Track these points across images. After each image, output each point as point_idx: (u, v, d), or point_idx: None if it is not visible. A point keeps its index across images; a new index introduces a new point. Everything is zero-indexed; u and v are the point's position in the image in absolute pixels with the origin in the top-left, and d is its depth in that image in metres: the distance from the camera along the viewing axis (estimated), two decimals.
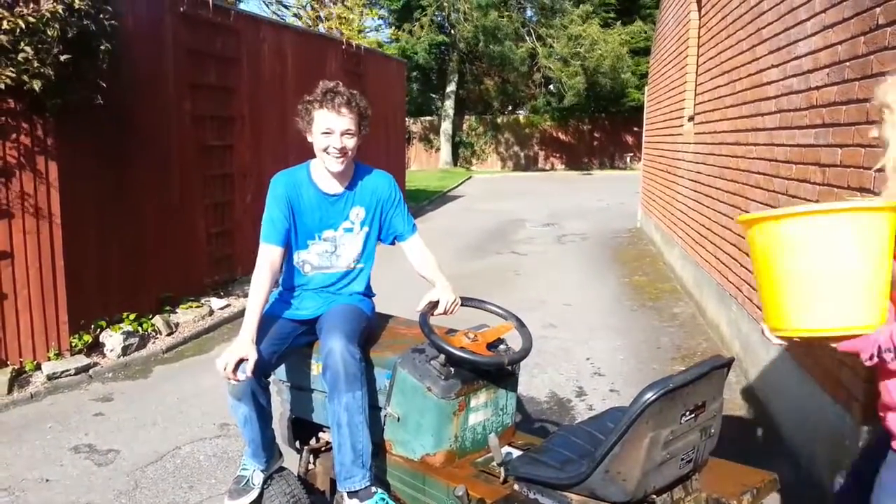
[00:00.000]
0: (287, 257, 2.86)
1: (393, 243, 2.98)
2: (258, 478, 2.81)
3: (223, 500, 2.87)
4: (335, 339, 2.55)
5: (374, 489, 2.53)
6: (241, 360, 2.52)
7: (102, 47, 5.16)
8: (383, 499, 2.53)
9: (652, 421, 1.88)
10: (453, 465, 2.51)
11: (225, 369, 2.51)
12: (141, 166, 6.40)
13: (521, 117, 31.75)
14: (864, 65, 3.28)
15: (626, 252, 10.47)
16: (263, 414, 2.70)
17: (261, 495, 2.82)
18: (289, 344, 2.79)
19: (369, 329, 2.84)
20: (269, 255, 2.75)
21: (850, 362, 3.32)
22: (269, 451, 2.80)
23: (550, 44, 27.28)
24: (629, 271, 9.03)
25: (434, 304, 2.70)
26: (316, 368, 2.80)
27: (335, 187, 2.84)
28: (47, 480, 3.83)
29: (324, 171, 2.83)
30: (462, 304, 2.85)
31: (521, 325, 2.75)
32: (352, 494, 2.53)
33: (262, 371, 2.64)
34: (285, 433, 3.06)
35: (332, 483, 2.97)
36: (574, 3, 27.80)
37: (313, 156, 2.87)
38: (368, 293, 2.99)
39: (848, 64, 3.46)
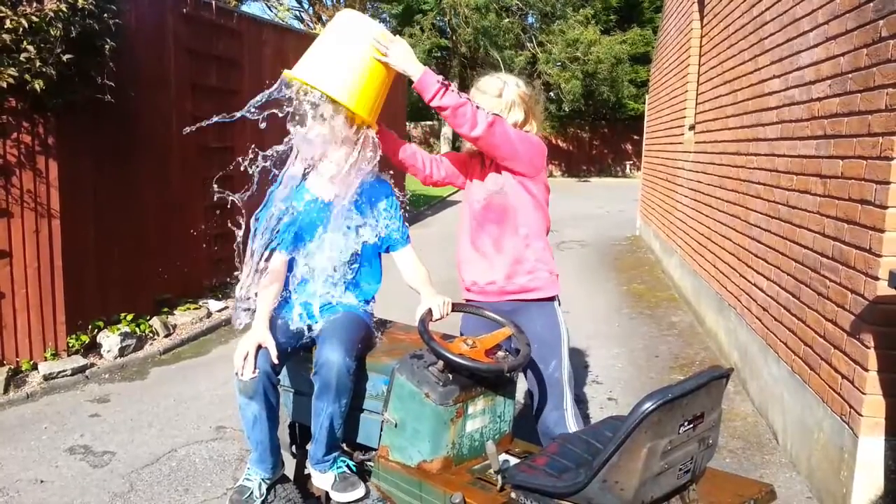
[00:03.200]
0: (289, 260, 2.88)
1: (386, 251, 3.00)
2: (262, 488, 2.75)
3: None
4: (334, 351, 2.57)
5: (331, 458, 2.68)
6: (258, 349, 2.60)
7: (107, 46, 5.16)
8: (339, 466, 2.67)
9: (650, 431, 1.87)
10: (450, 472, 2.50)
11: (245, 359, 2.57)
12: (141, 167, 6.40)
13: None
14: (866, 77, 3.29)
15: (625, 260, 10.48)
16: (274, 414, 2.70)
17: None
18: (293, 345, 2.79)
19: (367, 336, 2.84)
20: (274, 262, 2.82)
21: (848, 374, 3.32)
22: (275, 456, 2.76)
23: (550, 49, 27.31)
24: (627, 279, 9.03)
25: (430, 312, 2.72)
26: (313, 369, 2.80)
27: (332, 191, 2.84)
28: (42, 482, 3.82)
29: (321, 175, 2.84)
30: (460, 311, 2.86)
31: (519, 332, 2.75)
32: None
33: (274, 368, 2.66)
34: (283, 437, 3.05)
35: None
36: (574, 8, 27.86)
37: None
38: (368, 298, 2.99)
39: (850, 76, 3.47)
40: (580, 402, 4.86)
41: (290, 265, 2.89)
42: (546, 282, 3.05)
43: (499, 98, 2.98)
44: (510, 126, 2.85)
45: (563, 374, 2.99)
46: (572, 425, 2.95)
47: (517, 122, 2.98)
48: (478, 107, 2.71)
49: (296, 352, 2.84)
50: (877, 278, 3.09)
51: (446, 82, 2.68)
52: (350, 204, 2.86)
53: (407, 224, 3.03)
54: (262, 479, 2.75)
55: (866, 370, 3.13)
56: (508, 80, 3.05)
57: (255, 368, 2.58)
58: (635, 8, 29.26)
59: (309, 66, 2.63)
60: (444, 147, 29.85)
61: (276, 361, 2.62)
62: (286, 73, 2.63)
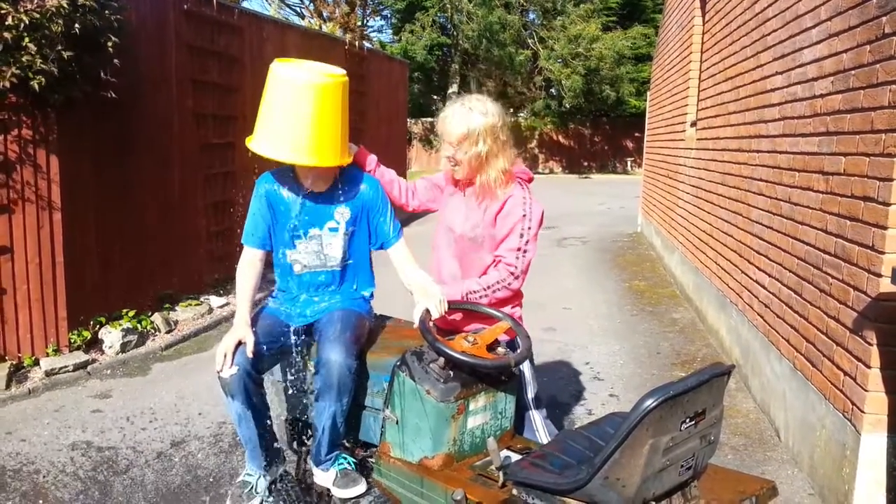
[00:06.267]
0: (280, 257, 2.88)
1: (380, 248, 2.99)
2: (262, 484, 2.76)
3: (224, 502, 2.85)
4: (335, 351, 2.57)
5: (333, 456, 2.69)
6: (238, 345, 2.61)
7: (110, 43, 5.15)
8: (341, 463, 2.68)
9: (652, 428, 1.87)
10: (451, 469, 2.51)
11: (225, 356, 2.58)
12: (142, 163, 6.39)
13: (521, 120, 31.73)
14: (869, 73, 3.28)
15: (626, 256, 10.47)
16: (258, 413, 2.69)
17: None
18: (282, 343, 2.78)
19: (367, 333, 2.83)
20: (248, 257, 2.89)
21: (851, 371, 3.31)
22: (268, 451, 2.76)
23: (551, 45, 27.25)
24: (629, 276, 9.03)
25: (428, 311, 2.71)
26: (313, 368, 2.80)
27: (319, 186, 2.85)
28: (44, 477, 3.82)
29: (308, 170, 2.84)
30: (456, 307, 2.85)
31: (517, 326, 2.75)
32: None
33: (255, 366, 2.65)
34: (283, 434, 3.05)
35: None
36: (575, 4, 27.80)
37: None
38: (365, 294, 2.98)
39: (853, 72, 3.46)
40: (580, 398, 4.87)
41: (283, 259, 2.89)
42: None
43: (465, 131, 2.75)
44: (526, 248, 2.80)
45: (528, 399, 2.98)
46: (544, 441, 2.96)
47: (480, 155, 2.77)
48: (501, 282, 2.80)
49: (288, 348, 2.84)
50: (879, 275, 3.09)
51: (467, 292, 2.82)
52: (338, 199, 2.86)
53: (398, 219, 3.02)
54: (262, 475, 2.76)
55: (869, 367, 3.13)
56: (474, 107, 2.78)
57: (232, 364, 2.58)
58: (637, 7, 29.19)
59: (268, 137, 2.66)
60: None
61: (250, 355, 2.61)
62: (249, 145, 2.69)
